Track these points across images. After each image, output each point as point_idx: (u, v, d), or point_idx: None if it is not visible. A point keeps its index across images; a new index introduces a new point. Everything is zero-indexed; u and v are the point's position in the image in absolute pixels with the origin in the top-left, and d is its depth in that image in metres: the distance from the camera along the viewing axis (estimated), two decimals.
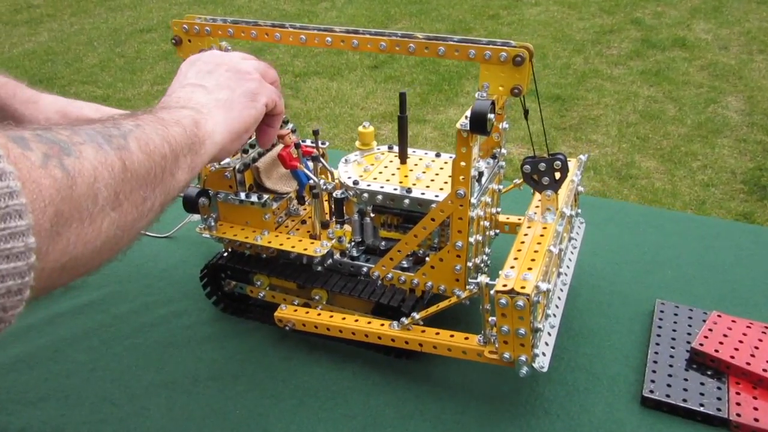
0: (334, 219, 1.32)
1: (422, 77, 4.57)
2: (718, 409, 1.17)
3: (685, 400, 1.19)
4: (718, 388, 1.21)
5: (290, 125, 1.44)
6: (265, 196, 1.32)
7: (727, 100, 4.05)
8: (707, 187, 3.21)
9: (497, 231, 1.42)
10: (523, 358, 1.11)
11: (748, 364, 1.22)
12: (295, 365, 1.29)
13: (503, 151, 1.30)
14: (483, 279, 1.09)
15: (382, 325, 1.26)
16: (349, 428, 1.15)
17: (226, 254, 1.40)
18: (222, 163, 1.34)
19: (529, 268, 1.09)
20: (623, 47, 4.82)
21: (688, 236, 1.65)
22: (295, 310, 1.32)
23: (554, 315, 1.25)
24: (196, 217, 1.44)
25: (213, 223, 1.34)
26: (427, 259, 1.24)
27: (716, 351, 1.25)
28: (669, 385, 1.23)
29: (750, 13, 5.34)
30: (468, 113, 1.05)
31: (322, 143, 1.44)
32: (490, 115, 1.02)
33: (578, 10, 5.53)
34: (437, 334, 1.23)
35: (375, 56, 4.90)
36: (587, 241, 1.55)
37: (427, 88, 4.43)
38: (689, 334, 1.34)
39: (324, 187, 1.29)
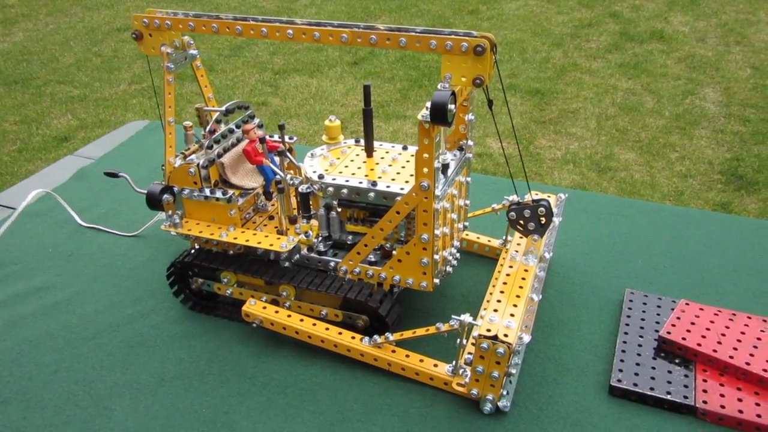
0: (301, 214, 1.31)
1: (402, 73, 4.56)
2: (685, 397, 1.18)
3: (652, 389, 1.20)
4: (686, 376, 1.22)
5: (257, 120, 1.42)
6: (231, 192, 1.30)
7: (705, 91, 4.08)
8: (685, 178, 3.22)
9: (466, 224, 1.42)
10: (490, 397, 1.14)
11: (715, 351, 1.23)
12: (263, 362, 1.28)
13: (470, 143, 1.30)
14: (466, 318, 1.11)
15: (353, 338, 1.26)
16: (317, 425, 1.15)
17: (192, 252, 1.38)
18: (187, 159, 1.32)
19: (512, 314, 1.11)
20: (602, 40, 4.84)
21: (660, 226, 1.66)
22: (264, 307, 1.31)
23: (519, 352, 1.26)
24: (164, 215, 1.42)
25: (178, 220, 1.32)
26: (394, 252, 1.24)
27: (683, 339, 1.26)
28: (636, 374, 1.23)
29: (726, 5, 5.38)
30: (429, 104, 1.04)
31: (290, 138, 1.42)
32: (451, 106, 1.02)
33: (557, 4, 5.54)
34: (407, 356, 1.24)
35: (355, 53, 4.88)
36: (560, 233, 1.55)
37: (408, 83, 4.41)
38: (657, 322, 1.34)
39: (290, 182, 1.28)
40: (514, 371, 1.15)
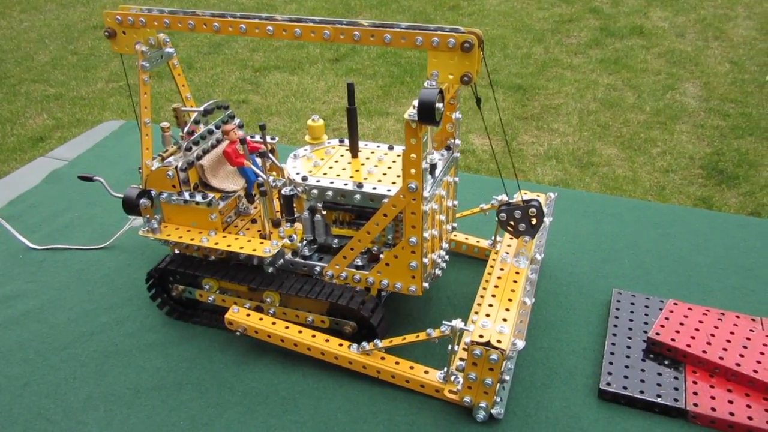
0: (284, 217, 1.27)
1: (384, 69, 4.52)
2: (676, 400, 1.16)
3: (642, 392, 1.17)
4: (675, 378, 1.20)
5: (237, 120, 1.37)
6: (211, 195, 1.25)
7: (685, 86, 4.09)
8: (667, 173, 3.23)
9: (455, 225, 1.38)
10: (483, 404, 1.11)
11: (705, 352, 1.21)
12: (243, 371, 1.24)
13: (457, 141, 1.26)
14: (457, 323, 1.07)
15: (341, 345, 1.22)
16: None
17: (171, 257, 1.34)
18: (165, 161, 1.27)
19: (504, 319, 1.08)
20: (582, 36, 4.84)
21: (645, 224, 1.65)
22: (248, 315, 1.26)
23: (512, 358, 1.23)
24: (138, 222, 1.37)
25: (156, 225, 1.27)
26: (381, 256, 1.20)
27: (673, 340, 1.24)
28: (626, 377, 1.21)
29: (705, 0, 5.41)
30: (415, 103, 1.00)
31: (271, 138, 1.37)
32: (439, 105, 0.98)
33: None
34: (397, 363, 1.20)
35: (336, 49, 4.83)
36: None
37: (389, 80, 4.37)
38: (646, 323, 1.32)
39: (273, 184, 1.23)
40: (507, 377, 1.12)
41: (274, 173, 1.31)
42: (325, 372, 1.23)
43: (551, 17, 5.18)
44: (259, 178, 1.24)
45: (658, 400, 1.16)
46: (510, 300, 1.13)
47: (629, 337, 1.29)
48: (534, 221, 1.17)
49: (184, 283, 1.35)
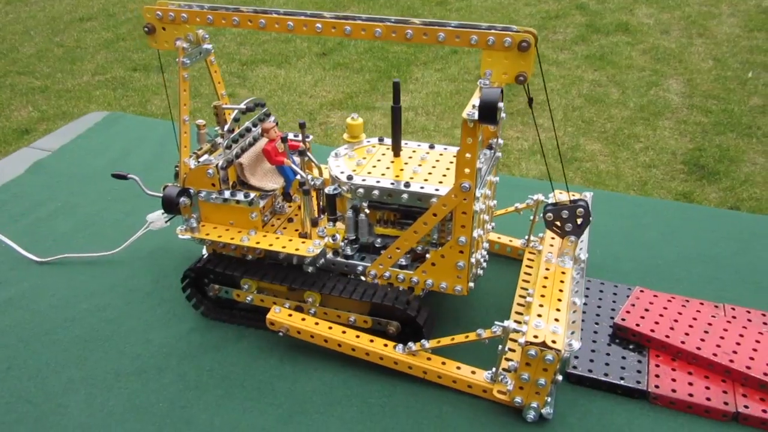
0: (324, 216, 1.26)
1: (371, 64, 4.55)
2: (638, 382, 1.20)
3: (606, 375, 1.22)
4: (639, 362, 1.24)
5: (272, 117, 1.36)
6: (252, 194, 1.25)
7: (668, 82, 4.14)
8: (649, 168, 3.28)
9: (493, 224, 1.38)
10: (534, 404, 1.12)
11: (667, 336, 1.25)
12: (221, 355, 1.27)
13: (500, 141, 1.26)
14: (510, 324, 1.08)
15: (386, 345, 1.21)
16: (276, 417, 1.14)
17: (208, 257, 1.32)
18: (202, 159, 1.26)
19: (556, 319, 1.09)
20: (568, 32, 4.88)
21: (618, 215, 1.69)
22: (290, 315, 1.26)
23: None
24: (157, 224, 1.37)
25: (195, 224, 1.27)
26: (427, 256, 1.19)
27: (637, 325, 1.28)
28: (592, 361, 1.25)
29: None
30: (475, 101, 0.99)
31: (307, 137, 1.35)
32: (500, 104, 0.98)
33: None
34: (443, 363, 1.20)
35: (323, 43, 4.85)
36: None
37: (377, 75, 4.40)
38: (613, 309, 1.36)
39: (312, 182, 1.23)
40: (560, 377, 1.12)
41: (311, 171, 1.30)
42: (301, 355, 1.26)
43: (538, 13, 5.22)
44: (299, 177, 1.24)
45: (621, 382, 1.20)
46: (559, 300, 1.13)
47: (597, 323, 1.33)
48: (581, 221, 1.19)
49: (221, 283, 1.34)
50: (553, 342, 1.04)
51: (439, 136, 3.66)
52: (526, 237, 1.48)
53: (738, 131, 3.59)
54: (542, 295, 1.15)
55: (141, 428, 1.12)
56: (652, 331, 1.26)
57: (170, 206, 1.25)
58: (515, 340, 1.16)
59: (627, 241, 1.59)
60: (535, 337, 1.05)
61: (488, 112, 0.98)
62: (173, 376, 1.22)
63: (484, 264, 1.32)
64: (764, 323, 1.31)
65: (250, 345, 1.29)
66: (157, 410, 1.15)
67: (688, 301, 1.35)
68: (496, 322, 1.10)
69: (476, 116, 0.99)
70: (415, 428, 1.12)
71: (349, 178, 1.20)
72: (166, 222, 1.39)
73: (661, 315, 1.30)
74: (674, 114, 3.79)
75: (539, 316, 1.10)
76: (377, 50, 4.70)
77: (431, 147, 1.31)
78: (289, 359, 1.25)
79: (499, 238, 1.52)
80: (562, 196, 1.36)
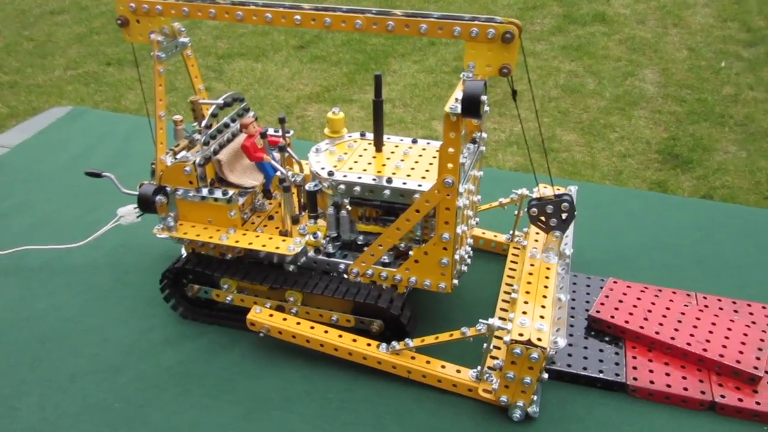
0: (305, 213, 1.22)
1: (349, 57, 4.50)
2: (617, 375, 1.19)
3: (585, 369, 1.20)
4: (616, 353, 1.23)
5: (252, 113, 1.33)
6: (231, 192, 1.21)
7: (644, 72, 4.15)
8: (624, 158, 3.28)
9: (477, 219, 1.36)
10: (520, 403, 1.10)
11: (642, 327, 1.24)
12: (181, 352, 1.23)
13: (484, 135, 1.23)
14: (494, 322, 1.06)
15: (369, 344, 1.19)
16: (234, 414, 1.12)
17: (187, 257, 1.29)
18: (179, 156, 1.22)
19: (542, 317, 1.07)
20: (546, 23, 4.87)
21: (582, 205, 1.67)
22: (271, 315, 1.23)
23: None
24: (128, 218, 1.32)
25: (172, 223, 1.23)
26: (410, 253, 1.17)
27: (612, 317, 1.27)
28: (570, 355, 1.23)
29: None
30: (458, 95, 0.97)
31: (287, 132, 1.32)
32: (484, 97, 0.96)
33: None
34: (428, 363, 1.18)
35: (301, 36, 4.78)
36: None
37: (354, 67, 4.36)
38: (588, 302, 1.35)
39: (293, 179, 1.20)
40: (546, 376, 1.10)
41: (291, 168, 1.27)
42: (261, 351, 1.24)
43: (516, 4, 5.21)
44: (279, 173, 1.21)
45: (601, 375, 1.19)
46: (544, 297, 1.12)
47: (572, 316, 1.32)
48: (565, 216, 1.17)
49: (200, 283, 1.30)
50: (539, 340, 1.03)
51: (417, 128, 3.63)
52: (511, 232, 1.47)
53: (711, 120, 3.61)
54: (527, 292, 1.14)
55: (95, 429, 1.09)
56: (627, 322, 1.25)
57: (146, 205, 1.22)
58: (501, 338, 1.13)
59: (590, 231, 1.58)
60: (521, 335, 1.03)
61: (472, 106, 0.96)
62: (131, 374, 1.19)
63: (469, 260, 1.30)
64: (735, 311, 1.31)
65: (211, 341, 1.26)
66: (112, 410, 1.12)
67: (660, 290, 1.34)
68: (480, 320, 1.09)
69: (459, 110, 0.97)
70: (374, 423, 1.11)
71: (330, 174, 1.18)
72: (137, 217, 1.35)
73: (634, 306, 1.29)
74: (649, 104, 3.80)
75: (524, 313, 1.08)
76: (355, 43, 4.65)
77: (414, 142, 1.29)
78: (250, 355, 1.23)
79: (483, 233, 1.51)
80: (546, 190, 1.34)
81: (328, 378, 1.19)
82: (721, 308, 1.32)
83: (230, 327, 1.31)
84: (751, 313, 1.30)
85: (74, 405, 1.13)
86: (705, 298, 1.34)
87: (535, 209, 1.19)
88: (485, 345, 1.10)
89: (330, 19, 1.06)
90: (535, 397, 1.13)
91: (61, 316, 1.31)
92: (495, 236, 1.50)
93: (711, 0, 5.22)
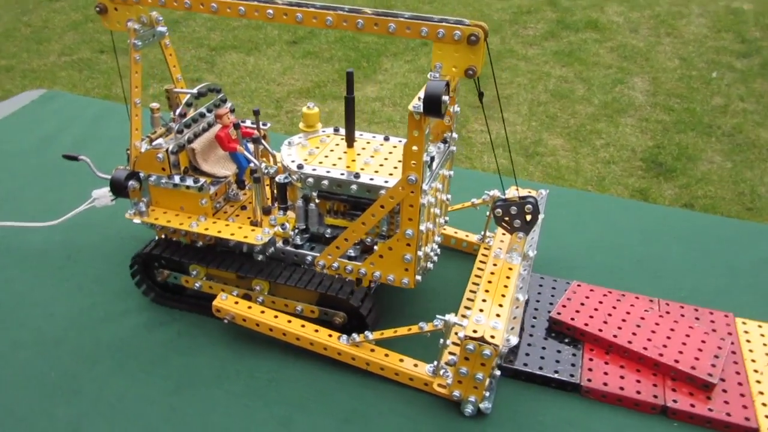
0: (276, 205, 1.25)
1: (341, 53, 4.52)
2: (571, 375, 1.22)
3: (541, 368, 1.23)
4: (574, 355, 1.26)
5: (229, 104, 1.35)
6: (202, 180, 1.24)
7: (634, 81, 4.19)
8: (608, 165, 3.32)
9: (447, 219, 1.39)
10: (472, 399, 1.13)
11: (600, 330, 1.27)
12: (121, 328, 1.29)
13: (454, 135, 1.26)
14: (450, 318, 1.09)
15: (330, 336, 1.22)
16: (164, 388, 1.18)
17: (156, 242, 1.31)
18: (154, 143, 1.24)
19: (498, 315, 1.09)
20: (539, 28, 4.91)
21: (557, 208, 1.70)
22: (236, 303, 1.26)
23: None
24: (103, 201, 1.34)
25: (144, 209, 1.26)
26: (375, 248, 1.19)
27: (572, 319, 1.30)
28: (527, 354, 1.26)
29: None
30: (421, 94, 0.99)
31: (263, 124, 1.34)
32: (445, 97, 0.98)
33: None
34: (386, 356, 1.21)
35: (294, 31, 4.80)
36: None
37: (346, 64, 4.38)
38: (551, 304, 1.38)
39: (266, 171, 1.23)
40: (498, 373, 1.13)
41: (265, 160, 1.29)
42: (198, 330, 1.28)
43: (510, 8, 5.24)
44: (252, 165, 1.23)
45: (555, 375, 1.22)
46: (503, 296, 1.14)
47: (534, 317, 1.35)
48: (529, 218, 1.20)
49: (169, 269, 1.33)
50: (492, 337, 1.05)
51: (404, 127, 3.66)
52: (482, 233, 1.49)
53: (698, 130, 3.65)
54: (486, 291, 1.16)
55: (28, 397, 1.16)
56: (586, 325, 1.28)
57: (119, 189, 1.24)
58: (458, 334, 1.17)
59: (561, 233, 1.62)
60: (474, 331, 1.06)
61: (432, 105, 0.98)
62: (69, 347, 1.25)
63: (435, 258, 1.32)
64: (696, 318, 1.34)
65: (150, 319, 1.32)
66: (47, 380, 1.19)
67: (623, 295, 1.38)
68: (437, 316, 1.11)
69: (422, 109, 0.99)
70: (297, 402, 1.17)
71: (300, 167, 1.20)
72: (111, 200, 1.37)
73: (596, 309, 1.32)
74: (637, 111, 3.84)
75: (481, 311, 1.11)
76: (348, 40, 4.67)
77: (386, 139, 1.31)
78: (186, 333, 1.28)
79: (456, 232, 1.53)
80: (516, 192, 1.37)
81: (260, 358, 1.24)
82: (682, 315, 1.35)
83: (198, 314, 1.34)
84: (712, 321, 1.34)
85: (12, 373, 1.20)
86: (668, 305, 1.38)
87: (499, 210, 1.22)
88: (441, 341, 1.13)
89: (301, 15, 1.08)
90: (488, 394, 1.15)
91: (11, 289, 1.38)
92: (467, 236, 1.53)
93: (706, 10, 5.27)
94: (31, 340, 1.26)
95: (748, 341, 1.28)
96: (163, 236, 1.33)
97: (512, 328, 1.09)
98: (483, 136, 3.54)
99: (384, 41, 4.67)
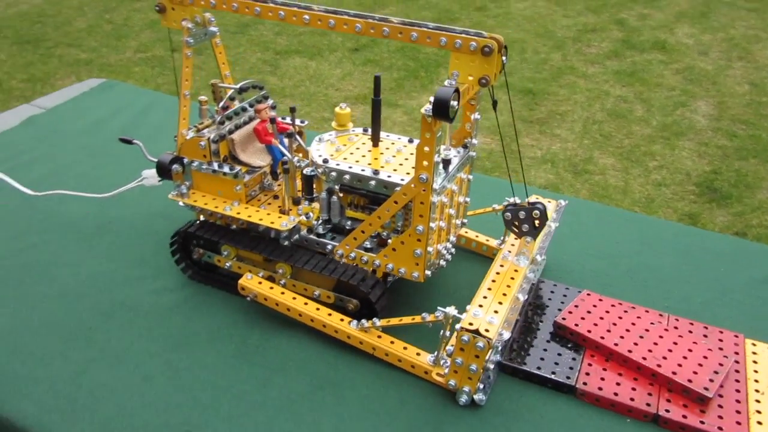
0: (303, 196, 1.35)
1: (401, 63, 4.61)
2: (568, 377, 1.24)
3: (539, 368, 1.26)
4: (573, 359, 1.28)
5: (270, 101, 1.47)
6: (238, 168, 1.34)
7: (697, 104, 4.08)
8: (659, 187, 3.25)
9: (465, 221, 1.44)
10: (466, 389, 1.18)
11: (602, 338, 1.29)
12: (135, 291, 1.45)
13: (474, 141, 1.33)
14: (450, 310, 1.15)
15: (342, 320, 1.30)
16: (164, 345, 1.32)
17: (199, 223, 1.43)
18: (199, 132, 1.37)
19: (495, 311, 1.15)
20: (603, 46, 4.85)
21: (580, 222, 1.72)
22: (260, 283, 1.36)
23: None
24: (150, 180, 1.47)
25: (185, 191, 1.38)
26: (389, 241, 1.26)
27: (576, 325, 1.32)
28: (529, 354, 1.29)
29: (737, 20, 5.35)
30: (432, 98, 1.07)
31: (301, 121, 1.45)
32: (453, 102, 1.04)
33: (564, 7, 5.54)
34: (392, 343, 1.27)
35: (357, 39, 4.93)
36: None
37: (404, 73, 4.47)
38: (560, 310, 1.40)
39: (297, 164, 1.32)
40: (492, 366, 1.17)
41: (300, 154, 1.38)
42: (201, 297, 1.41)
43: (575, 25, 5.20)
44: (285, 157, 1.32)
45: (552, 376, 1.24)
46: (504, 295, 1.18)
47: (541, 321, 1.37)
48: (537, 223, 1.24)
49: (205, 248, 1.44)
50: (486, 331, 1.09)
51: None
52: (502, 237, 1.53)
53: (761, 157, 3.52)
54: (489, 288, 1.20)
55: (48, 340, 1.32)
56: (589, 331, 1.30)
57: (163, 171, 1.36)
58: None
59: (581, 245, 1.64)
60: (470, 324, 1.10)
61: (440, 109, 1.03)
62: (88, 303, 1.42)
63: (449, 256, 1.36)
64: (704, 335, 1.33)
65: (162, 285, 1.46)
66: (66, 328, 1.35)
67: (633, 308, 1.38)
68: (438, 308, 1.16)
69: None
70: (278, 366, 1.28)
71: (325, 161, 1.27)
72: (158, 181, 1.47)
73: (601, 318, 1.33)
74: (697, 135, 3.74)
75: (480, 306, 1.15)
76: (409, 50, 4.76)
77: (410, 141, 1.37)
78: (191, 300, 1.43)
79: (477, 236, 1.57)
80: (534, 200, 1.40)
81: (253, 326, 1.36)
82: (690, 331, 1.34)
83: (227, 292, 1.43)
84: (720, 339, 1.32)
85: (38, 320, 1.37)
86: (677, 320, 1.37)
87: (509, 214, 1.26)
88: (441, 332, 1.17)
89: (334, 21, 1.17)
90: (482, 386, 1.19)
91: (48, 249, 1.57)
92: (487, 240, 1.57)
93: None
94: (57, 294, 1.43)
95: (755, 362, 1.26)
96: (201, 218, 1.44)
97: (507, 323, 1.13)
98: (533, 151, 3.54)
99: (444, 53, 4.73)
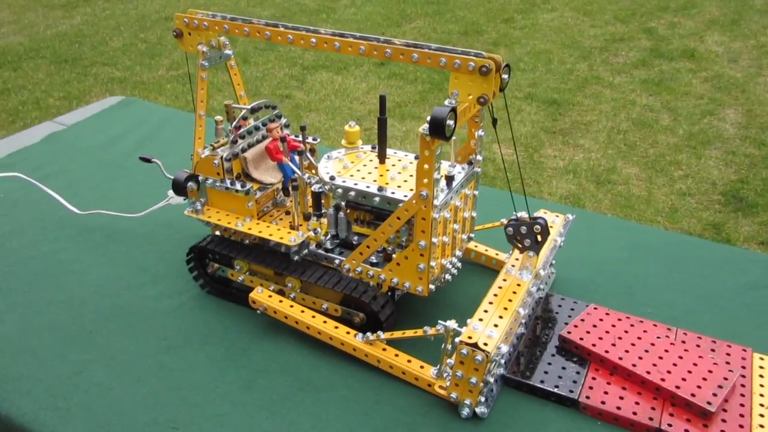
0: (313, 212, 1.39)
1: (425, 76, 4.66)
2: (571, 391, 1.25)
3: (542, 381, 1.28)
4: (577, 373, 1.29)
5: (283, 120, 1.53)
6: (249, 185, 1.40)
7: (725, 112, 4.02)
8: (683, 196, 3.22)
9: (472, 235, 1.47)
10: (468, 402, 1.21)
11: (607, 352, 1.30)
12: (136, 297, 1.53)
13: (479, 157, 1.35)
14: (451, 324, 1.19)
15: (348, 333, 1.34)
16: (156, 347, 1.39)
17: (212, 238, 1.50)
18: (214, 151, 1.44)
19: (495, 325, 1.18)
20: (630, 56, 4.81)
21: (585, 235, 1.72)
22: (270, 296, 1.41)
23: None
24: (175, 200, 1.56)
25: (200, 207, 1.44)
26: (394, 256, 1.30)
27: (581, 339, 1.33)
28: (533, 368, 1.31)
29: None
30: (429, 118, 1.10)
31: (313, 138, 1.51)
32: (449, 122, 1.07)
33: (592, 17, 5.52)
34: (396, 356, 1.31)
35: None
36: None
37: (429, 86, 4.51)
38: (566, 323, 1.41)
39: (307, 180, 1.37)
40: (492, 380, 1.19)
41: (312, 171, 1.43)
42: (196, 304, 1.49)
43: (602, 35, 5.17)
44: (295, 174, 1.37)
45: (555, 390, 1.25)
46: (505, 309, 1.20)
47: (547, 334, 1.39)
48: (539, 238, 1.26)
49: (219, 262, 1.50)
50: (485, 344, 1.11)
51: None
52: (510, 252, 1.55)
53: None
54: (490, 302, 1.22)
55: (50, 342, 1.40)
56: (594, 345, 1.31)
57: (179, 189, 1.42)
58: None
59: (589, 260, 1.64)
60: (469, 337, 1.12)
61: (436, 128, 1.06)
62: (91, 308, 1.50)
63: (454, 271, 1.39)
64: (712, 350, 1.33)
65: (161, 292, 1.54)
66: (68, 331, 1.44)
67: (641, 321, 1.38)
68: (439, 321, 1.18)
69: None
70: (263, 368, 1.34)
71: (332, 178, 1.32)
72: (183, 199, 1.53)
73: (607, 332, 1.34)
74: (724, 144, 3.68)
75: (480, 320, 1.17)
76: None
77: (416, 158, 1.39)
78: (187, 306, 1.50)
79: (486, 250, 1.60)
80: (543, 215, 1.42)
81: (243, 331, 1.42)
82: (698, 345, 1.34)
83: (238, 305, 1.48)
84: (728, 354, 1.32)
85: (42, 323, 1.46)
86: (685, 334, 1.37)
87: (510, 229, 1.28)
88: (443, 345, 1.20)
89: (339, 44, 1.22)
90: (483, 399, 1.20)
91: (58, 258, 1.67)
92: (496, 254, 1.59)
93: None
94: (63, 300, 1.52)
95: (761, 376, 1.26)
96: (216, 233, 1.50)
97: (507, 338, 1.15)
98: (556, 162, 3.54)
99: None
